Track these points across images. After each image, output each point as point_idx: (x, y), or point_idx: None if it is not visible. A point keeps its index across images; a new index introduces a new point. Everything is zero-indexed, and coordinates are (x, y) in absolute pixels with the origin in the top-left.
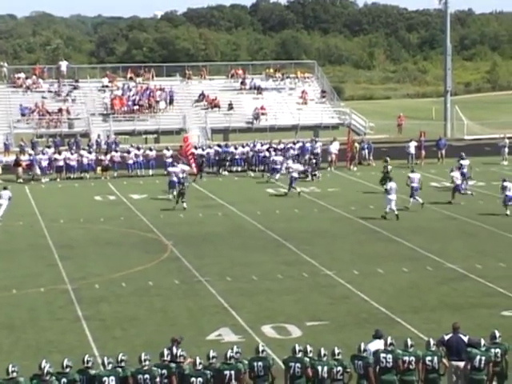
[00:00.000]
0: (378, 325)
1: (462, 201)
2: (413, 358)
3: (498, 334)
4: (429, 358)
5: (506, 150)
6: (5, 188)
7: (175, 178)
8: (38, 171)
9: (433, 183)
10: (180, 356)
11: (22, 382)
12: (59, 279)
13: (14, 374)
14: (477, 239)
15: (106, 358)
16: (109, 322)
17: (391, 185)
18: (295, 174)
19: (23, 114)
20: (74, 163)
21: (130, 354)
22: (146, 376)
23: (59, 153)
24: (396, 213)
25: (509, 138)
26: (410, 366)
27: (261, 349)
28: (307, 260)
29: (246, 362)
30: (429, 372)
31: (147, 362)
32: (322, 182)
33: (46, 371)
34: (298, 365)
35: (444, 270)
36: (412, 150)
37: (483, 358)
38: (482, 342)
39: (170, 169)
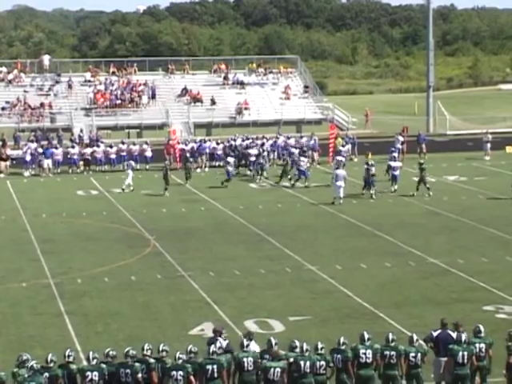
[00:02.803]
0: (360, 320)
1: (445, 196)
2: (394, 353)
3: (482, 329)
4: (412, 355)
5: (489, 145)
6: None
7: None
8: (49, 165)
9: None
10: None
11: (2, 377)
12: (41, 274)
13: None
14: (459, 234)
15: (91, 353)
16: (91, 316)
17: (338, 172)
18: (230, 168)
19: (3, 108)
20: (59, 157)
21: (114, 349)
22: (128, 371)
23: (41, 147)
24: (341, 200)
25: (491, 133)
26: (392, 361)
27: (245, 343)
28: (290, 255)
29: (229, 356)
30: (412, 367)
31: (128, 359)
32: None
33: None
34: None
35: (426, 265)
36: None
37: (465, 353)
38: (463, 337)
39: None
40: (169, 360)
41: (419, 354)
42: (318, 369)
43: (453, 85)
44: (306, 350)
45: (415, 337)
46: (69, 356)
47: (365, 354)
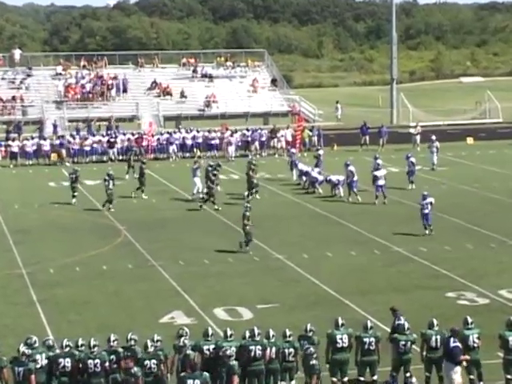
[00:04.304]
0: (327, 307)
1: (408, 186)
2: (373, 339)
3: (406, 326)
4: (402, 343)
5: (418, 137)
6: None
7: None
8: None
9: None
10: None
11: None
12: (14, 264)
13: None
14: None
15: (65, 341)
16: (63, 305)
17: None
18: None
19: None
20: (29, 149)
21: (85, 337)
22: (97, 361)
23: (13, 139)
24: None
25: (422, 126)
26: (371, 347)
27: (229, 333)
28: (258, 244)
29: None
30: (402, 354)
31: (96, 348)
32: (272, 168)
33: (21, 352)
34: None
35: (390, 253)
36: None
37: (438, 337)
38: (406, 325)
39: None
40: (138, 348)
41: (409, 343)
42: (287, 355)
43: (415, 78)
44: (272, 336)
45: (407, 325)
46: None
47: (341, 338)
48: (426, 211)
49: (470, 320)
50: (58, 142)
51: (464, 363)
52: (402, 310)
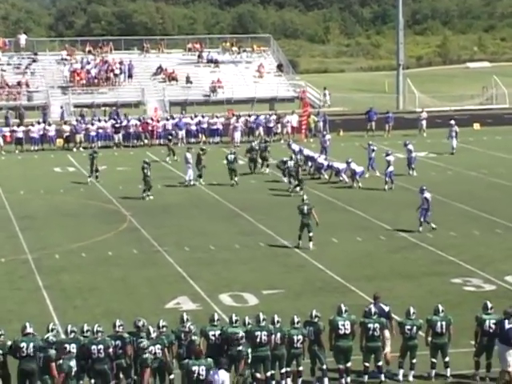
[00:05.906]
0: (332, 293)
1: (414, 172)
2: (377, 325)
3: (440, 308)
4: (408, 327)
5: (424, 122)
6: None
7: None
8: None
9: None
10: None
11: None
12: (20, 250)
13: None
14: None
15: (69, 326)
16: (69, 291)
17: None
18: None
19: None
20: (35, 135)
21: (90, 323)
22: (100, 346)
23: (18, 125)
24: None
25: (427, 111)
26: (375, 333)
27: (234, 318)
28: (263, 230)
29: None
30: (408, 339)
31: (100, 334)
32: (277, 154)
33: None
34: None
35: (396, 239)
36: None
37: (444, 322)
38: (412, 310)
39: None
40: (143, 333)
41: (415, 327)
42: (295, 342)
43: (422, 63)
44: (277, 322)
45: (412, 310)
46: (52, 329)
47: (343, 325)
48: (424, 206)
49: (489, 305)
50: (69, 128)
51: None
52: (408, 295)
